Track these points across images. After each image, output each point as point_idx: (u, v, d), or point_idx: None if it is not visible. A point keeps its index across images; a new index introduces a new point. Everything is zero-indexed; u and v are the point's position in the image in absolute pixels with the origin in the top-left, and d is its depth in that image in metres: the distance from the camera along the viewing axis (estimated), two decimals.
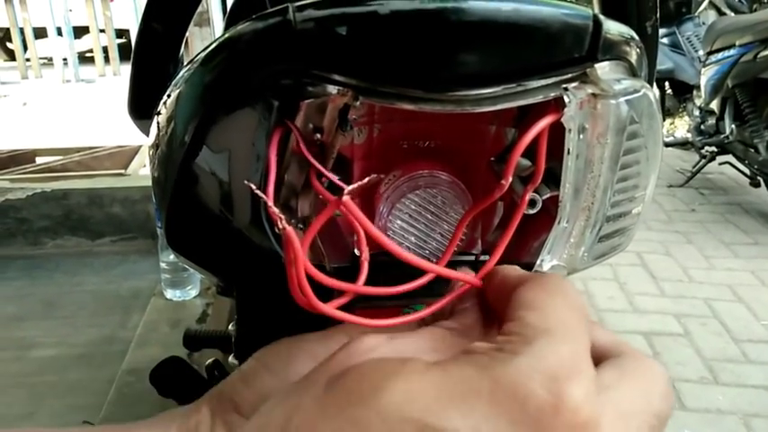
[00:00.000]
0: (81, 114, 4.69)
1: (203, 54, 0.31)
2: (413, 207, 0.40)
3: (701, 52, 3.42)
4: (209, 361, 0.93)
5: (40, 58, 6.19)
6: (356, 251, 0.46)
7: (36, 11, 5.87)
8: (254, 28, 0.30)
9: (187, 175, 0.35)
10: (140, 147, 2.96)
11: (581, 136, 0.33)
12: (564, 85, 0.31)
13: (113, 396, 1.41)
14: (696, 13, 3.98)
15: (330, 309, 0.30)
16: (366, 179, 0.28)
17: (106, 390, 1.44)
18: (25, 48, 6.14)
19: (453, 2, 0.28)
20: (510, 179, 0.30)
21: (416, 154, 0.42)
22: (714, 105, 3.19)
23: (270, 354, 0.35)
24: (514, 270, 0.30)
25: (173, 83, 0.35)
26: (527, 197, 0.33)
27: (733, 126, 3.04)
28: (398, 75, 0.29)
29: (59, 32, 5.86)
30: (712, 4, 3.98)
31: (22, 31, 6.05)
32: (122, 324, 1.80)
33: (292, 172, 0.33)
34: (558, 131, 0.33)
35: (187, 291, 1.81)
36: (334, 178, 0.29)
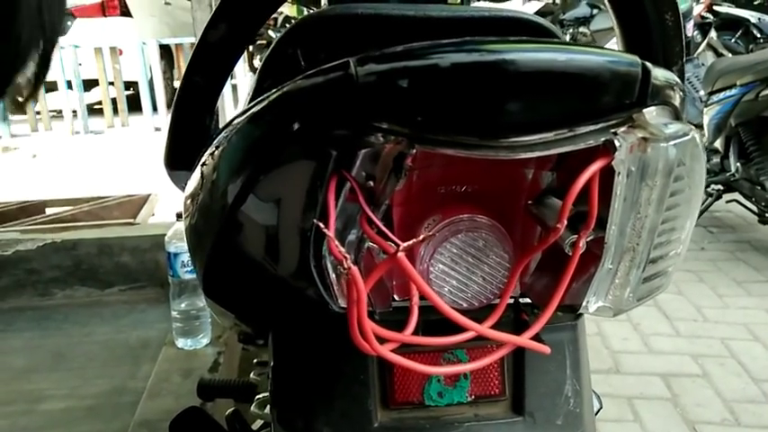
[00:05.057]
0: (90, 165, 4.75)
1: (257, 108, 0.32)
2: (454, 251, 0.40)
3: (701, 92, 3.46)
4: (229, 411, 0.91)
5: (50, 111, 6.30)
6: (396, 296, 0.46)
7: None
8: (315, 82, 0.30)
9: (231, 223, 0.35)
10: (149, 196, 2.98)
11: (629, 179, 0.33)
12: (613, 130, 0.32)
13: None
14: (695, 55, 4.05)
15: (386, 351, 0.30)
16: (421, 236, 0.28)
17: None
18: (35, 101, 6.25)
19: (510, 53, 0.29)
20: (565, 223, 0.31)
21: (454, 198, 0.43)
22: (718, 144, 3.21)
23: None
24: None
25: (221, 135, 0.35)
26: (580, 244, 0.33)
27: (738, 164, 3.05)
28: (456, 123, 0.30)
29: (69, 86, 5.97)
30: (710, 46, 4.06)
31: None
32: (132, 374, 1.77)
33: (342, 218, 0.34)
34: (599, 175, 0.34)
35: (198, 339, 1.79)
36: (390, 235, 0.29)
